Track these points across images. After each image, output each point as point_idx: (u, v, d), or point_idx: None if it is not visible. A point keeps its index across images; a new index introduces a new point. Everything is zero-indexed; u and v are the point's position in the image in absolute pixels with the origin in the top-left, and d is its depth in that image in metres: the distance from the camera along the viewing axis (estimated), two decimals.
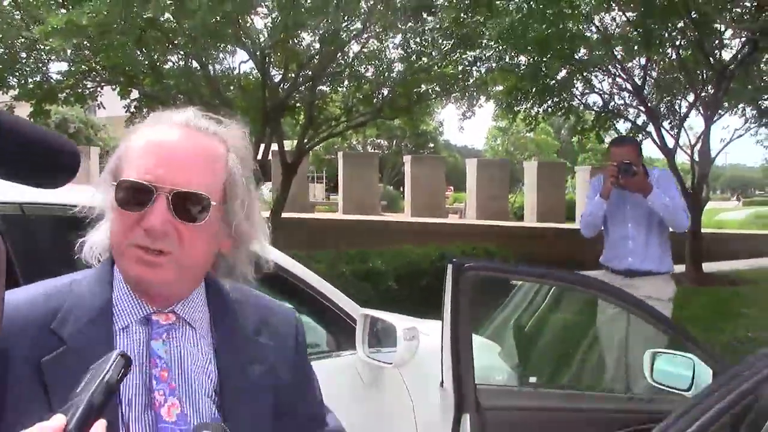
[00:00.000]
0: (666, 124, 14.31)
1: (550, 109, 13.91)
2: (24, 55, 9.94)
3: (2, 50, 9.88)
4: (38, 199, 2.22)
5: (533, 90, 12.86)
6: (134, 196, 1.19)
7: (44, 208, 2.21)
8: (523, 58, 12.37)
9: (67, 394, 1.01)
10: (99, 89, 11.10)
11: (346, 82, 12.58)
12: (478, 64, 12.10)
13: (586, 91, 14.25)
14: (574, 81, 13.56)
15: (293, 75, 11.43)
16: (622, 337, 4.03)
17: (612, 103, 14.40)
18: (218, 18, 9.25)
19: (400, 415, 3.17)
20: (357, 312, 3.05)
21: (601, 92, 14.31)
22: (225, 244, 1.29)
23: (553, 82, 12.94)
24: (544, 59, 11.61)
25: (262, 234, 1.33)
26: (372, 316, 3.00)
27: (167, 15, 9.77)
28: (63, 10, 8.75)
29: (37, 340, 1.16)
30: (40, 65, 10.18)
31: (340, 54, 11.64)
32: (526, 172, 24.71)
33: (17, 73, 10.10)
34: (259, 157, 11.57)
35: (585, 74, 13.42)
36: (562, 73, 13.00)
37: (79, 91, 10.68)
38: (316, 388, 1.47)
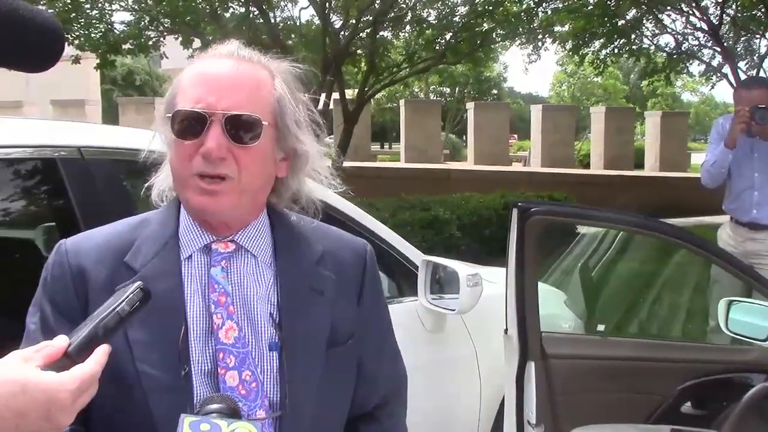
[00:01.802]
0: (743, 65, 13.66)
1: (618, 51, 13.39)
2: (87, 5, 10.01)
3: (66, 1, 9.99)
4: (97, 142, 2.22)
5: (601, 31, 12.35)
6: (189, 125, 1.24)
7: (104, 151, 2.20)
8: None
9: (140, 318, 1.12)
10: (162, 39, 11.16)
11: (407, 28, 12.35)
12: (544, 4, 11.67)
13: (657, 31, 13.66)
14: (645, 21, 12.98)
15: (354, 21, 11.26)
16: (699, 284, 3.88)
17: (685, 44, 13.77)
18: None
19: (463, 362, 3.13)
20: (419, 258, 2.99)
21: (673, 32, 13.69)
22: (281, 169, 1.34)
23: (623, 22, 12.41)
24: None
25: (318, 163, 1.37)
26: (434, 262, 2.94)
27: None
28: None
29: (114, 271, 1.26)
30: (104, 15, 10.26)
31: None
32: (593, 118, 24.04)
33: (81, 24, 10.20)
34: (320, 106, 11.54)
35: (656, 13, 12.83)
36: (632, 12, 12.46)
37: (142, 41, 10.77)
38: (382, 329, 1.47)
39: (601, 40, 12.99)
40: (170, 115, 1.26)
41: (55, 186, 2.08)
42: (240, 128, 1.24)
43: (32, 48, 0.88)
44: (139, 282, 1.09)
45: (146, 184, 1.37)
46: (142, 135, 1.76)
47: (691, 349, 3.05)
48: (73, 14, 10.18)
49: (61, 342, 1.01)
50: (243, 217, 1.31)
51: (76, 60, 10.86)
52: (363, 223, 2.85)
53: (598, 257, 3.82)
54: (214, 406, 1.08)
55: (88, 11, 10.30)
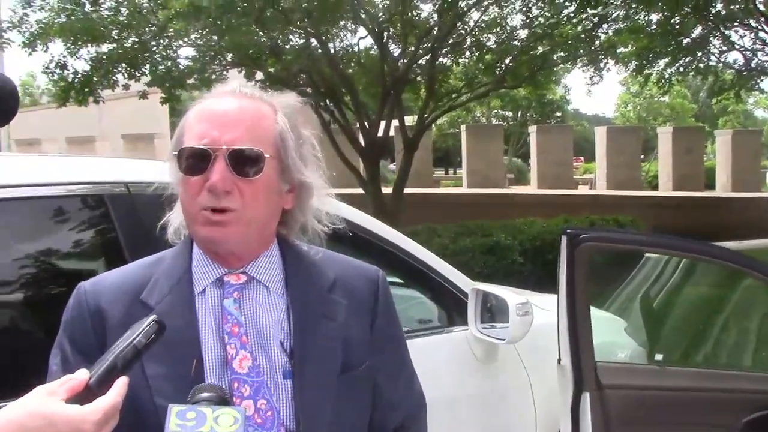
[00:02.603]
0: None
1: (684, 70, 13.06)
2: (153, 42, 10.36)
3: (134, 39, 10.35)
4: (144, 178, 2.26)
5: (666, 50, 12.09)
6: (195, 161, 1.28)
7: (149, 186, 2.24)
8: (654, 17, 11.66)
9: (156, 353, 1.18)
10: (225, 73, 11.44)
11: (467, 53, 12.34)
12: (604, 25, 11.50)
13: (725, 48, 13.28)
14: (711, 38, 12.64)
15: (412, 48, 11.33)
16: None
17: (755, 61, 13.35)
18: None
19: (517, 393, 3.06)
20: (468, 287, 2.95)
21: (741, 49, 13.30)
22: (287, 201, 1.37)
23: (688, 40, 12.12)
24: (677, 15, 10.86)
25: (322, 190, 1.40)
26: (484, 290, 2.89)
27: None
28: None
29: (130, 308, 1.30)
30: (169, 51, 10.59)
31: (459, 23, 11.42)
32: (661, 138, 23.51)
33: (148, 61, 10.55)
34: (380, 133, 11.60)
35: (723, 30, 12.49)
36: (698, 30, 12.16)
37: (206, 75, 11.05)
38: (398, 353, 1.49)
39: (666, 60, 12.70)
40: (176, 153, 1.30)
41: (103, 221, 2.13)
42: (243, 162, 1.27)
43: None
44: (154, 315, 1.13)
45: (160, 223, 1.43)
46: None
47: (756, 379, 2.91)
48: (142, 52, 10.55)
49: (82, 375, 1.05)
50: (252, 249, 1.34)
51: (144, 95, 11.22)
52: (412, 252, 2.83)
53: (662, 283, 3.69)
54: (204, 395, 1.11)
55: (154, 49, 10.64)
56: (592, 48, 11.84)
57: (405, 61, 11.42)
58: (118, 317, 1.29)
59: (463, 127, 23.69)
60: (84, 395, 1.03)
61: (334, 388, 1.32)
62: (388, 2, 11.13)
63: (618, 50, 12.43)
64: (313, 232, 1.42)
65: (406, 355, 1.52)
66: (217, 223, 1.27)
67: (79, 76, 10.72)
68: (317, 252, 1.44)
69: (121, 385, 1.06)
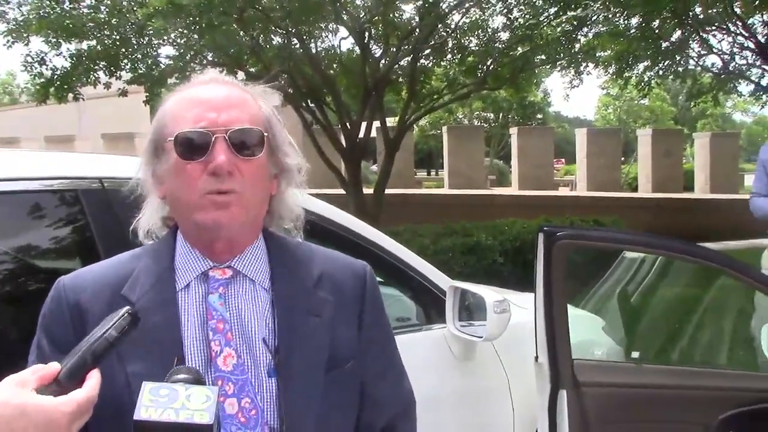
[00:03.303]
0: None
1: (663, 73, 13.17)
2: (134, 41, 10.28)
3: (114, 36, 10.27)
4: (119, 173, 2.24)
5: (645, 53, 12.17)
6: (194, 145, 1.25)
7: (125, 182, 2.22)
8: (633, 20, 11.73)
9: (137, 350, 1.19)
10: (206, 72, 11.37)
11: (449, 55, 12.36)
12: (584, 28, 11.56)
13: (703, 52, 13.40)
14: (690, 42, 12.75)
15: (394, 49, 11.33)
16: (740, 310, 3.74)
17: (732, 64, 13.49)
18: None
19: (495, 391, 3.06)
20: (447, 284, 2.95)
21: (720, 52, 13.43)
22: (273, 187, 1.36)
23: (667, 44, 12.22)
24: (656, 19, 10.94)
25: (299, 177, 1.39)
26: (462, 288, 2.90)
27: None
28: None
29: (111, 304, 1.25)
30: (149, 50, 10.52)
31: (440, 25, 11.44)
32: (640, 140, 23.68)
33: (129, 59, 10.47)
34: (362, 134, 11.59)
35: (701, 34, 12.60)
36: (677, 33, 12.26)
37: (187, 74, 10.98)
38: (386, 350, 1.46)
39: (645, 63, 12.79)
40: (171, 139, 1.27)
41: (77, 217, 2.11)
42: (244, 142, 1.26)
43: None
44: (127, 307, 1.11)
45: (131, 228, 1.40)
46: None
47: (733, 377, 2.93)
48: (122, 49, 10.47)
49: (54, 366, 1.04)
50: (245, 237, 1.32)
51: (124, 93, 11.13)
52: (390, 250, 2.82)
53: (638, 282, 3.71)
54: (180, 376, 1.10)
55: (134, 46, 10.56)
56: (572, 51, 11.90)
57: (386, 62, 11.41)
58: (97, 312, 1.25)
59: (444, 128, 23.73)
60: (53, 388, 1.01)
61: (319, 386, 1.29)
62: (369, 3, 11.11)
63: (597, 54, 12.51)
64: (293, 223, 1.41)
65: (395, 352, 1.49)
66: (223, 206, 1.25)
67: (59, 72, 10.62)
68: (302, 245, 1.41)
69: (95, 378, 1.05)
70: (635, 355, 2.92)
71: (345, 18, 10.67)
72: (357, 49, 11.53)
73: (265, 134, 1.29)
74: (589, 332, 3.47)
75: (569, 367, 2.58)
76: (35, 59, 10.60)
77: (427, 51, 11.76)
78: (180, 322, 1.27)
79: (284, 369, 1.27)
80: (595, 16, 11.37)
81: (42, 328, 1.31)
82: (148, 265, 1.32)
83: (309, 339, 1.30)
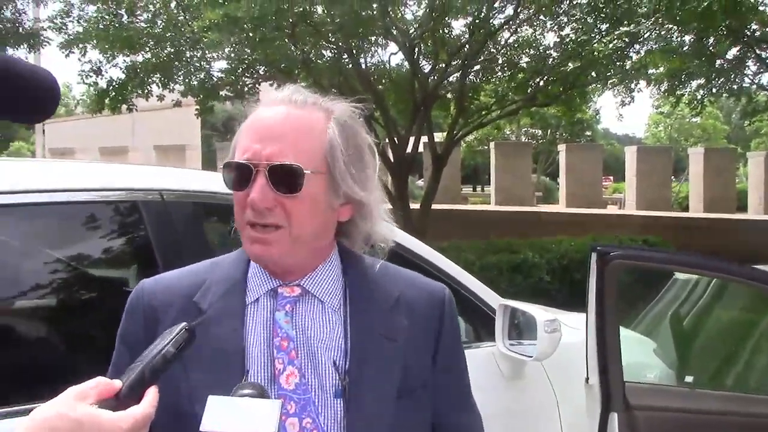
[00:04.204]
0: None
1: (717, 91, 12.93)
2: (188, 53, 10.50)
3: (169, 49, 10.51)
4: (178, 186, 2.29)
5: (699, 71, 11.98)
6: (238, 176, 1.24)
7: (183, 194, 2.27)
8: (687, 38, 11.56)
9: (201, 357, 1.20)
10: (257, 85, 11.56)
11: (498, 72, 12.33)
12: (636, 45, 11.42)
13: (760, 69, 13.14)
14: (746, 60, 12.50)
15: (443, 65, 11.35)
16: None
17: None
18: (370, 11, 9.36)
19: (543, 411, 3.02)
20: (497, 302, 2.93)
21: None
22: (344, 213, 1.31)
23: (722, 61, 12.00)
24: (711, 36, 10.75)
25: (381, 207, 1.34)
26: (512, 306, 2.87)
27: (319, 9, 9.99)
28: (221, 8, 9.13)
29: (183, 310, 1.27)
30: (203, 63, 10.74)
31: (490, 42, 11.43)
32: (692, 159, 23.28)
33: (182, 71, 10.70)
34: (410, 149, 11.62)
35: (758, 52, 12.35)
36: (732, 51, 12.04)
37: (239, 87, 11.17)
38: (460, 379, 1.41)
39: (699, 81, 12.59)
40: (221, 167, 1.28)
41: (136, 228, 2.16)
42: (283, 178, 1.22)
43: (27, 102, 0.89)
44: (184, 323, 1.11)
45: (231, 228, 1.36)
46: (220, 178, 1.82)
47: None
48: (176, 62, 10.72)
49: (115, 383, 1.04)
50: (305, 263, 1.29)
51: (177, 104, 11.37)
52: (439, 265, 2.81)
53: (692, 304, 3.64)
54: (245, 391, 1.10)
55: (188, 60, 10.79)
56: (623, 68, 11.76)
57: (435, 77, 11.44)
58: (170, 318, 1.26)
59: (492, 144, 23.65)
60: (114, 402, 1.02)
61: (389, 412, 1.25)
62: (419, 19, 11.17)
63: (649, 71, 12.34)
64: (375, 244, 1.36)
65: (467, 381, 1.43)
66: (260, 241, 1.23)
67: (114, 83, 10.90)
68: (381, 266, 1.37)
69: (153, 395, 1.05)
70: (689, 379, 2.86)
71: (395, 33, 10.74)
72: (406, 65, 11.58)
73: (308, 171, 1.22)
74: (641, 354, 3.41)
75: (621, 390, 2.54)
76: (92, 69, 10.91)
77: (477, 67, 11.75)
78: (245, 335, 1.26)
79: (353, 392, 1.24)
80: (648, 33, 11.22)
81: (121, 330, 1.34)
82: (222, 275, 1.32)
83: (382, 363, 1.27)
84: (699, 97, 12.98)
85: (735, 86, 12.90)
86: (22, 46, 12.67)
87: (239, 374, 1.22)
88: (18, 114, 0.94)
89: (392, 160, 11.32)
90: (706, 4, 8.78)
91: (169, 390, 1.15)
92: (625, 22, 10.42)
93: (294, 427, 1.21)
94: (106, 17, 10.36)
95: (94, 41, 10.36)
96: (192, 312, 1.27)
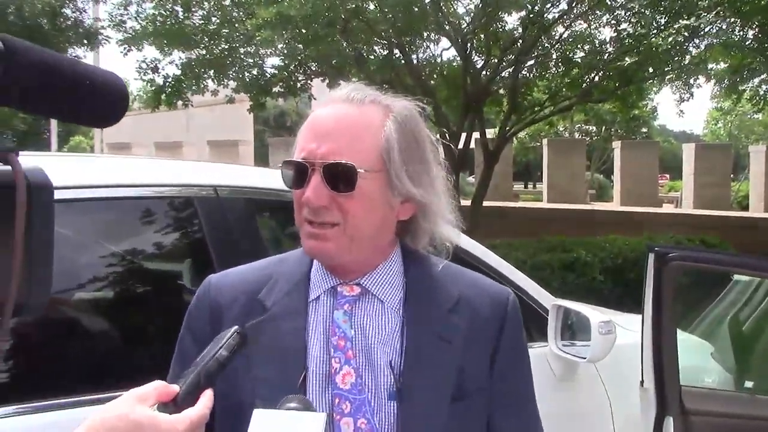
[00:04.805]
0: None
1: None
2: (242, 50, 10.63)
3: (223, 46, 10.65)
4: (232, 182, 2.32)
5: (762, 66, 11.60)
6: (296, 174, 1.25)
7: (237, 190, 2.29)
8: (750, 32, 11.22)
9: (265, 354, 1.23)
10: (309, 82, 11.63)
11: (552, 67, 12.17)
12: (696, 40, 11.12)
13: None
14: None
15: (496, 60, 11.25)
16: None
17: None
18: (422, 6, 9.33)
19: (596, 414, 2.98)
20: (549, 302, 2.89)
21: None
22: (404, 212, 1.30)
23: None
24: None
25: (445, 207, 1.32)
26: (565, 307, 2.83)
27: (371, 5, 10.00)
28: (274, 6, 9.22)
29: (247, 307, 1.30)
30: (256, 59, 10.85)
31: (544, 37, 11.28)
32: (752, 157, 22.62)
33: (236, 67, 10.84)
34: (461, 145, 11.55)
35: None
36: None
37: (291, 83, 11.27)
38: (519, 388, 1.36)
39: (762, 76, 12.20)
40: (280, 165, 1.28)
41: (191, 223, 2.19)
42: (338, 176, 1.22)
43: (95, 106, 0.90)
44: (236, 327, 1.13)
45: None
46: (274, 174, 1.83)
47: None
48: (230, 58, 10.86)
49: (173, 387, 1.07)
50: (365, 261, 1.29)
51: (231, 100, 11.52)
52: (490, 263, 2.79)
53: (752, 307, 3.54)
54: (291, 405, 1.10)
55: (242, 56, 10.92)
56: (683, 64, 11.47)
57: (488, 73, 11.34)
58: (235, 314, 1.29)
59: (544, 140, 23.40)
60: (172, 406, 1.05)
61: (443, 416, 1.23)
62: (472, 14, 11.09)
63: (709, 66, 12.01)
64: (440, 244, 1.34)
65: (530, 391, 1.39)
66: (316, 237, 1.24)
67: (170, 79, 11.11)
68: (444, 266, 1.35)
69: (208, 397, 1.07)
70: (748, 384, 2.77)
71: (447, 28, 10.68)
72: (458, 60, 11.52)
73: (361, 170, 1.22)
74: (698, 358, 3.33)
75: (677, 394, 2.49)
76: (149, 66, 11.13)
77: (530, 63, 11.62)
78: (307, 333, 1.27)
79: (406, 393, 1.23)
80: (708, 27, 10.92)
81: (186, 324, 1.36)
82: (287, 272, 1.33)
83: (436, 365, 1.25)
84: (762, 93, 12.58)
85: None
86: (81, 45, 13.00)
87: (300, 372, 1.23)
88: (88, 120, 0.96)
89: (443, 157, 11.26)
90: None
91: (232, 386, 1.19)
92: (685, 16, 10.15)
93: (349, 426, 1.21)
94: (163, 13, 10.54)
95: (151, 38, 10.57)
96: (256, 309, 1.29)
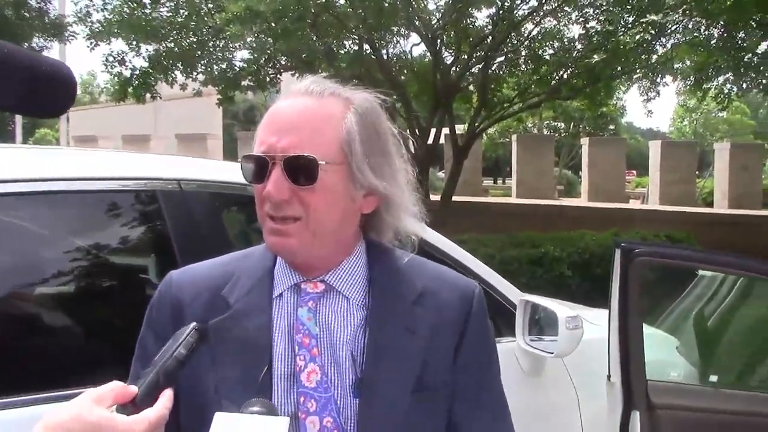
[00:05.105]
0: None
1: (746, 87, 12.71)
2: (211, 44, 10.53)
3: (192, 39, 10.54)
4: (196, 176, 2.28)
5: (727, 65, 11.76)
6: (256, 169, 1.22)
7: (202, 184, 2.25)
8: (715, 31, 11.38)
9: (229, 352, 1.21)
10: (279, 76, 11.57)
11: (521, 64, 12.24)
12: (663, 39, 11.25)
13: None
14: None
15: (466, 56, 11.28)
16: None
17: None
18: (392, 2, 9.31)
19: (564, 408, 2.99)
20: (517, 297, 2.89)
21: None
22: (367, 205, 1.27)
23: (751, 55, 11.79)
24: (740, 30, 10.55)
25: (408, 199, 1.30)
26: (533, 302, 2.83)
27: (341, 0, 9.97)
28: (243, 1, 9.14)
29: (210, 304, 1.27)
30: (225, 53, 10.76)
31: (514, 33, 11.33)
32: (717, 154, 22.96)
33: (205, 60, 10.74)
34: (431, 140, 11.57)
35: None
36: (763, 45, 11.82)
37: (261, 77, 11.19)
38: (485, 381, 1.32)
39: (727, 75, 12.38)
40: (239, 160, 1.26)
41: (154, 217, 2.15)
42: (299, 169, 1.19)
43: (41, 95, 0.87)
44: (194, 323, 1.11)
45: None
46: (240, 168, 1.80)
47: None
48: (198, 51, 10.75)
49: (132, 388, 1.05)
50: (328, 257, 1.27)
51: (198, 93, 11.42)
52: (457, 258, 2.78)
53: (717, 302, 3.58)
54: (254, 408, 1.07)
55: (211, 50, 10.82)
56: (649, 62, 11.60)
57: (458, 69, 11.38)
58: (197, 311, 1.25)
59: (513, 136, 23.53)
60: (130, 407, 1.03)
61: (404, 409, 1.21)
62: (442, 10, 11.10)
63: (676, 65, 12.16)
64: (404, 237, 1.32)
65: (495, 384, 1.35)
66: (278, 233, 1.21)
67: (137, 72, 10.96)
68: (408, 258, 1.33)
69: (167, 397, 1.05)
70: (713, 378, 2.81)
71: (418, 24, 10.68)
72: (428, 56, 11.53)
73: (322, 162, 1.19)
74: (663, 352, 3.36)
75: (643, 388, 2.50)
76: (116, 59, 10.98)
77: (500, 59, 11.67)
78: (271, 330, 1.24)
79: (367, 388, 1.21)
80: (674, 26, 11.05)
81: (147, 323, 1.32)
82: (250, 268, 1.30)
83: (398, 355, 1.23)
84: (726, 91, 12.77)
85: (764, 81, 12.65)
86: (48, 38, 12.79)
87: (264, 370, 1.21)
88: (36, 109, 0.92)
89: (413, 152, 11.29)
90: None
91: (195, 385, 1.17)
92: (652, 13, 10.26)
93: (314, 425, 1.19)
94: (131, 5, 10.40)
95: (118, 30, 10.41)
96: (219, 306, 1.26)
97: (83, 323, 2.12)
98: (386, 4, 9.58)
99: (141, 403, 1.03)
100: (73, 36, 11.33)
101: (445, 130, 12.41)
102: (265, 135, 1.22)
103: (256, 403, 1.09)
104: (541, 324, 2.83)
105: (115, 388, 1.03)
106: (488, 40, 11.08)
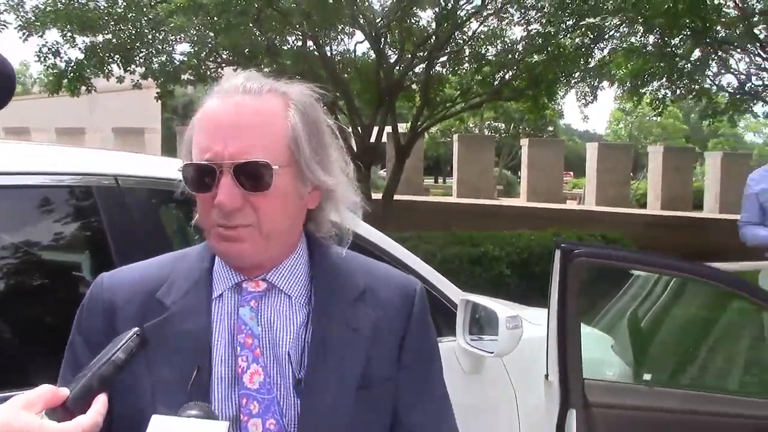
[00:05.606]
0: None
1: (680, 92, 13.08)
2: (150, 35, 10.30)
3: (130, 31, 10.29)
4: (134, 171, 2.22)
5: (661, 71, 12.10)
6: (200, 178, 1.17)
7: (140, 180, 2.19)
8: (651, 38, 11.67)
9: (165, 356, 1.16)
10: (220, 70, 11.40)
11: (465, 64, 12.33)
12: (601, 43, 11.49)
13: (721, 71, 13.33)
14: (710, 61, 12.66)
15: (409, 55, 11.32)
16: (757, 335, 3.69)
17: (749, 84, 13.40)
18: None
19: (502, 407, 3.02)
20: (458, 297, 2.91)
21: (737, 72, 13.35)
22: (312, 201, 1.26)
23: (684, 62, 12.15)
24: (674, 37, 10.85)
25: (347, 190, 1.29)
26: (473, 301, 2.85)
27: None
28: None
29: (144, 307, 1.22)
30: (164, 46, 10.54)
31: (458, 33, 11.42)
32: (651, 157, 23.62)
33: (143, 53, 10.49)
34: (373, 139, 11.57)
35: (721, 54, 12.52)
36: (696, 52, 12.19)
37: (201, 71, 11.00)
38: (427, 379, 1.32)
39: (661, 81, 12.72)
40: (180, 169, 1.20)
41: (90, 213, 2.08)
42: (250, 176, 1.15)
43: None
44: (135, 328, 1.08)
45: (193, 222, 1.28)
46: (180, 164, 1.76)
47: (746, 404, 2.87)
48: (137, 44, 10.50)
49: (63, 391, 1.01)
50: (274, 258, 1.24)
51: (137, 86, 11.15)
52: (397, 256, 2.78)
53: (651, 302, 3.66)
54: (192, 412, 1.05)
55: (150, 41, 10.58)
56: (587, 66, 11.84)
57: (401, 67, 11.41)
58: (131, 315, 1.21)
59: (455, 136, 23.73)
60: (61, 412, 0.99)
61: (348, 404, 1.20)
62: (386, 8, 11.12)
63: (613, 72, 12.44)
64: (342, 228, 1.31)
65: (437, 381, 1.34)
66: (230, 239, 1.17)
67: (72, 64, 10.63)
68: (349, 257, 1.32)
69: (101, 402, 1.02)
70: (647, 377, 2.87)
71: (362, 22, 10.67)
72: (372, 54, 11.53)
73: (276, 166, 1.16)
74: (599, 351, 3.42)
75: (580, 387, 2.54)
76: (50, 50, 10.63)
77: (443, 58, 11.74)
78: (211, 332, 1.21)
79: (308, 388, 1.19)
80: (612, 31, 11.31)
81: (77, 327, 1.27)
82: (186, 270, 1.26)
83: (342, 355, 1.22)
84: (660, 96, 13.12)
85: (696, 86, 13.04)
86: None
87: (203, 373, 1.17)
88: None
89: (355, 150, 11.28)
90: (672, 2, 8.85)
91: (130, 389, 1.14)
92: (589, 14, 10.47)
93: (257, 428, 1.17)
94: None
95: (52, 21, 10.08)
96: (154, 309, 1.22)
97: (15, 324, 2.04)
98: (330, 1, 9.53)
99: (74, 408, 0.99)
100: (4, 25, 10.94)
101: (388, 129, 12.44)
102: (208, 141, 1.16)
103: (193, 406, 1.06)
104: (482, 323, 2.85)
105: (44, 392, 0.99)
106: (432, 40, 11.14)
